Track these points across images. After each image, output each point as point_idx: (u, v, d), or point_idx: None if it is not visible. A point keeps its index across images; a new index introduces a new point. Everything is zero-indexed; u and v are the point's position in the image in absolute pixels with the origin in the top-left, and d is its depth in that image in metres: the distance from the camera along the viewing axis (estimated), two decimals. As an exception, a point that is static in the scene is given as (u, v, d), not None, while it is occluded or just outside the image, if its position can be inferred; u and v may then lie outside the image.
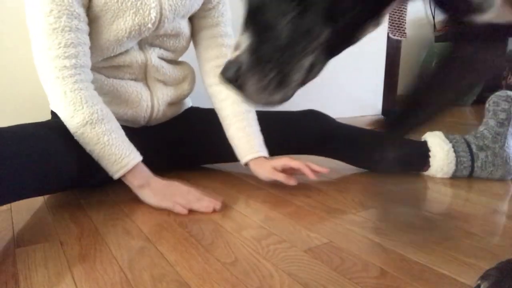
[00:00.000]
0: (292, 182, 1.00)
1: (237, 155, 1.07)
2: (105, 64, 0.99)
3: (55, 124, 0.91)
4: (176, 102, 1.15)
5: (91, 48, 0.92)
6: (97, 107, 0.88)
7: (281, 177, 1.00)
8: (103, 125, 0.88)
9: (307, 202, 0.95)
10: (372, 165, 1.20)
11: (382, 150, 1.17)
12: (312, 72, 0.48)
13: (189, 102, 1.23)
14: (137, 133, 1.04)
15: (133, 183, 0.92)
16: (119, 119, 1.02)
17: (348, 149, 1.18)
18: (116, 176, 0.90)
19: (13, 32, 1.25)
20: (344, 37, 0.47)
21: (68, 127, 0.88)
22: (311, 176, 0.98)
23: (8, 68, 1.26)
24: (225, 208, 0.91)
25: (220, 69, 1.20)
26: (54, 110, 0.94)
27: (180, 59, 1.16)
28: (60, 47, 0.84)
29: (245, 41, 0.46)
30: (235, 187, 1.07)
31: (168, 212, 0.89)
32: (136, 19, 0.92)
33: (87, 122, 0.86)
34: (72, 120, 0.86)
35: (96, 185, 1.05)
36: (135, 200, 0.95)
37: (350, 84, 2.00)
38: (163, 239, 0.75)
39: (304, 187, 1.05)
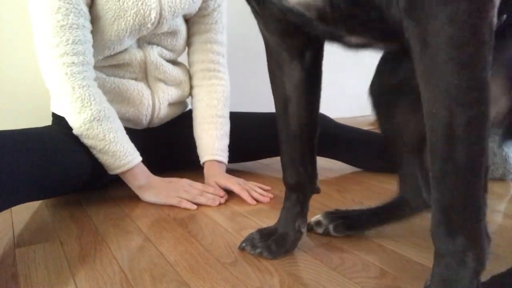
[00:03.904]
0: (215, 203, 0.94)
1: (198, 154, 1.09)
2: (105, 63, 1.00)
3: (61, 128, 0.92)
4: (176, 102, 1.15)
5: (93, 47, 0.92)
6: (104, 105, 0.89)
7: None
8: (109, 123, 0.89)
9: (307, 202, 0.95)
10: (371, 165, 1.20)
11: (380, 150, 1.17)
12: None
13: (188, 104, 1.24)
14: (139, 135, 1.05)
15: (133, 183, 0.93)
16: (121, 118, 1.02)
17: (346, 150, 1.18)
18: (115, 172, 0.91)
19: (13, 34, 1.25)
20: None
21: (72, 122, 0.89)
22: (250, 202, 0.94)
23: (8, 70, 1.26)
24: (225, 208, 0.91)
25: (204, 73, 1.20)
26: (57, 107, 0.95)
27: (179, 60, 1.17)
28: (68, 44, 0.85)
29: None
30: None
31: (168, 212, 0.89)
32: (136, 19, 0.94)
33: (94, 118, 0.87)
34: (79, 116, 0.87)
35: (100, 187, 1.05)
36: (135, 200, 0.95)
37: (350, 84, 2.00)
38: (163, 239, 0.75)
39: (304, 187, 1.05)
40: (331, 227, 0.74)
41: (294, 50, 0.60)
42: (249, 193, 0.96)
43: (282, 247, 0.68)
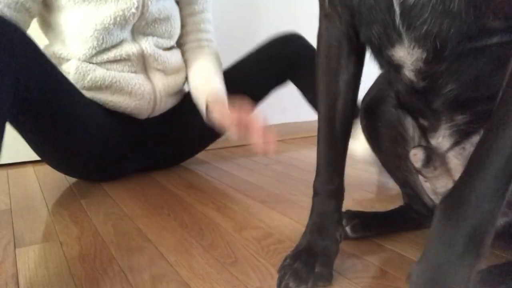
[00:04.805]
0: (235, 138, 0.92)
1: (197, 103, 1.08)
2: (103, 58, 0.99)
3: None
4: (176, 92, 1.15)
5: (80, 37, 0.95)
6: None
7: (229, 126, 0.94)
8: None
9: (307, 201, 0.94)
10: None
11: None
12: None
13: (185, 88, 1.23)
14: (141, 124, 1.05)
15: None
16: (123, 111, 1.03)
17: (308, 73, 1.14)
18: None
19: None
20: None
21: None
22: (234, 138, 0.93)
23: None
24: (225, 208, 0.91)
25: (197, 50, 1.21)
26: None
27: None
28: None
29: None
30: (235, 186, 1.07)
31: (168, 212, 0.89)
32: (118, 4, 0.95)
33: None
34: None
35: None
36: (135, 200, 0.95)
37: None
38: (163, 239, 0.75)
39: (303, 187, 1.05)
40: (348, 228, 0.72)
41: (355, 44, 0.57)
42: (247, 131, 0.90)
43: (329, 267, 0.59)
